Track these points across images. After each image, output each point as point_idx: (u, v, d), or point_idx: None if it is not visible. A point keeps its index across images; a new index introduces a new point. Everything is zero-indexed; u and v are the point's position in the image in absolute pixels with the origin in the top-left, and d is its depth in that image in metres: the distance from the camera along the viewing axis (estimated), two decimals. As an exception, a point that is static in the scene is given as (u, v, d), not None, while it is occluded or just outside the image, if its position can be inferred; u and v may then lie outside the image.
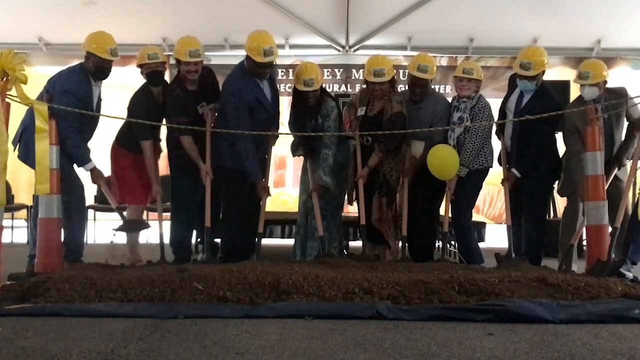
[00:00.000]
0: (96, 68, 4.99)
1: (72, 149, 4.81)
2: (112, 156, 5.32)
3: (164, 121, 5.23)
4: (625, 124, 5.26)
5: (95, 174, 5.00)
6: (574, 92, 6.12)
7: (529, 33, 8.17)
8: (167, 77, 6.80)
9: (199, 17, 7.48)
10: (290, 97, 5.63)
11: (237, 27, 5.40)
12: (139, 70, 5.25)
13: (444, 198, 5.21)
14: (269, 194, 5.17)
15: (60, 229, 4.65)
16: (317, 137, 5.18)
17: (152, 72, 5.17)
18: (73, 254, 4.91)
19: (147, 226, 5.34)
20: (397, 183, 5.22)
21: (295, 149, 5.54)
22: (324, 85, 5.42)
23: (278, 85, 5.83)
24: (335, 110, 5.30)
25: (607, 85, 5.19)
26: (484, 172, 5.23)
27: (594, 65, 5.13)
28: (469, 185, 5.17)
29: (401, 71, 8.68)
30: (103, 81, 5.16)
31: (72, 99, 4.78)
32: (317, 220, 5.07)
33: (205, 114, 5.12)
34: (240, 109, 4.99)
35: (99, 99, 5.18)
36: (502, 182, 5.20)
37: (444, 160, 5.01)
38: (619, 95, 5.18)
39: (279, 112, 5.41)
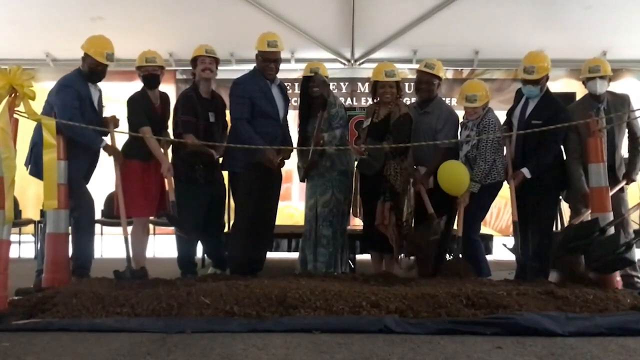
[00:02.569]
0: (90, 70, 5.07)
1: (79, 137, 4.81)
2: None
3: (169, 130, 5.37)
4: (626, 130, 5.34)
5: (110, 150, 5.04)
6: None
7: (535, 45, 8.10)
8: (173, 91, 6.86)
9: (205, 32, 7.51)
10: (297, 111, 5.71)
11: (243, 42, 5.46)
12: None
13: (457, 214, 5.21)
14: (278, 162, 5.21)
15: (67, 244, 4.66)
16: (324, 129, 5.30)
17: (149, 75, 5.29)
18: (80, 269, 4.92)
19: (146, 274, 5.13)
20: (401, 187, 5.21)
21: (301, 173, 5.55)
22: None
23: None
24: (338, 99, 5.61)
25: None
26: (496, 187, 5.19)
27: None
28: (480, 200, 5.13)
29: (407, 84, 8.72)
30: (112, 97, 5.23)
31: (71, 91, 4.86)
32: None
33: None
34: (241, 96, 5.22)
35: (100, 104, 5.22)
36: (508, 181, 5.14)
37: (455, 176, 5.00)
38: (622, 99, 5.32)
39: (287, 120, 5.54)
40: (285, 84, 5.60)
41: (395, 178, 5.16)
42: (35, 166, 4.88)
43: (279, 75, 5.48)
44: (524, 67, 5.12)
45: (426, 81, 5.39)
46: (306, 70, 5.48)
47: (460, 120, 5.44)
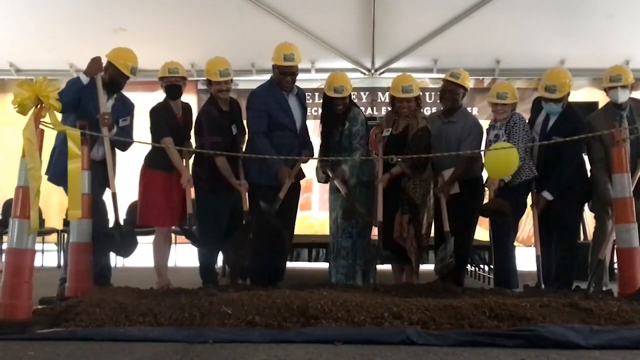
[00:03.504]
0: (111, 79, 5.12)
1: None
2: (140, 178, 5.37)
3: (191, 141, 5.38)
4: None
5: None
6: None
7: (556, 54, 8.14)
8: (194, 101, 6.89)
9: (226, 42, 7.57)
10: (318, 121, 5.70)
11: (263, 52, 5.49)
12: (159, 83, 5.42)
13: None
14: (291, 179, 5.15)
15: (90, 253, 4.69)
16: (344, 144, 5.28)
17: (172, 86, 5.32)
18: (100, 278, 4.96)
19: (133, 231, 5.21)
20: (420, 201, 5.19)
21: (320, 175, 5.55)
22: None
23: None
24: (362, 116, 5.48)
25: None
26: (529, 184, 5.16)
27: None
28: (515, 201, 5.06)
29: (427, 94, 8.71)
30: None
31: (70, 89, 4.93)
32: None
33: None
34: (258, 109, 5.22)
35: (122, 114, 5.24)
36: (532, 207, 5.15)
37: (505, 155, 4.86)
38: None
39: (306, 128, 5.50)
40: (306, 94, 5.61)
41: (414, 190, 5.14)
42: (53, 172, 4.97)
43: (299, 85, 5.48)
44: (545, 85, 5.09)
45: (450, 90, 5.37)
46: (329, 86, 5.35)
47: (487, 124, 5.42)
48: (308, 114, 8.22)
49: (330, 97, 5.32)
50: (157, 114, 5.30)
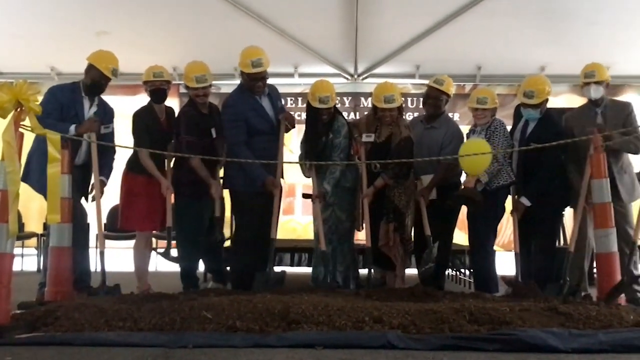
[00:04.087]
0: (92, 82, 5.11)
1: (50, 126, 4.62)
2: (122, 182, 5.35)
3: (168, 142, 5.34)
4: None
5: (84, 128, 4.94)
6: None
7: (537, 61, 8.22)
8: (176, 105, 6.87)
9: (209, 46, 7.57)
10: (299, 126, 5.69)
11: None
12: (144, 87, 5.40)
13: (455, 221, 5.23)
14: (280, 189, 5.14)
15: (70, 257, 4.66)
16: (326, 154, 5.24)
17: (156, 90, 5.31)
18: (80, 282, 4.92)
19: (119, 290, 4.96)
20: (405, 208, 5.22)
21: (305, 171, 5.54)
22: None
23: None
24: (346, 127, 5.37)
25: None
26: (506, 189, 5.22)
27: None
28: (491, 205, 5.13)
29: (409, 99, 8.75)
30: (116, 112, 5.24)
31: (52, 98, 4.89)
32: (319, 231, 5.06)
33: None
34: (235, 119, 5.12)
35: (104, 119, 5.20)
36: (511, 212, 5.19)
37: (479, 150, 4.94)
38: (623, 107, 5.38)
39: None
40: (289, 98, 5.61)
41: (399, 199, 5.16)
42: (26, 170, 4.92)
43: (283, 91, 5.46)
44: (524, 91, 5.17)
45: (434, 97, 5.43)
46: (313, 96, 5.24)
47: (467, 128, 5.48)
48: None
49: (315, 107, 5.26)
50: (140, 119, 5.28)
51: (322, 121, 5.27)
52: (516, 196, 5.19)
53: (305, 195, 5.46)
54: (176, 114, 5.54)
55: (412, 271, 5.49)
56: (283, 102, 5.49)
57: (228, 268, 5.47)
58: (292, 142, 7.85)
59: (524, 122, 5.28)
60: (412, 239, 5.36)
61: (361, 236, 5.88)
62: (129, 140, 5.33)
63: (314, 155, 5.26)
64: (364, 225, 5.31)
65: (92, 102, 5.18)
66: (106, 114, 5.28)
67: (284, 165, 5.56)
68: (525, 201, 5.06)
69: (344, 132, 5.32)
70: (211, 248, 5.30)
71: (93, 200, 5.13)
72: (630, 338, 3.32)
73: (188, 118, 5.21)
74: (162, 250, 5.30)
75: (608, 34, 7.51)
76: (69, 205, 4.59)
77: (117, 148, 5.24)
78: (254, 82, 5.13)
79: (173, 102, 7.98)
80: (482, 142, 4.99)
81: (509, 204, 5.31)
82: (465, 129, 5.79)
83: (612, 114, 5.26)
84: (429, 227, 5.15)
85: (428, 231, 5.14)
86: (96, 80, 5.11)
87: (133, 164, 5.28)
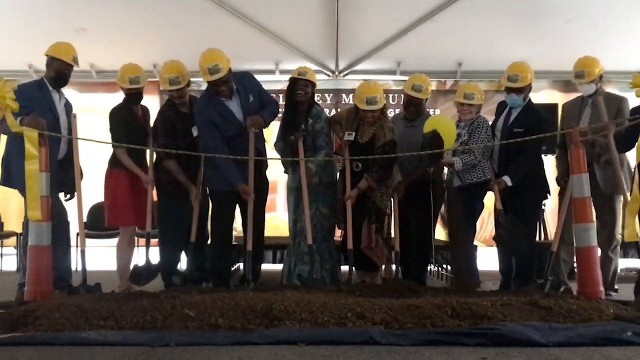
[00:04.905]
0: (57, 74, 5.12)
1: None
2: (106, 180, 5.33)
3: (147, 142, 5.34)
4: None
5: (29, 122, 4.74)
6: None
7: (517, 57, 8.11)
8: (157, 103, 6.83)
9: (189, 43, 7.50)
10: (279, 121, 5.70)
11: (227, 54, 5.43)
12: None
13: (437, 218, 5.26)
14: (252, 197, 5.06)
15: (50, 256, 4.61)
16: (308, 142, 5.27)
17: (134, 94, 5.30)
18: (61, 281, 4.88)
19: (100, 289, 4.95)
20: (386, 208, 5.23)
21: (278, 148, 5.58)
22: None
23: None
24: (324, 114, 5.49)
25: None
26: (482, 186, 5.24)
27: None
28: (468, 201, 5.17)
29: (390, 95, 8.76)
30: (95, 109, 5.20)
31: (20, 96, 4.71)
32: (306, 226, 5.04)
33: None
34: (206, 125, 5.08)
35: (70, 112, 5.20)
36: (491, 185, 5.14)
37: (444, 126, 5.02)
38: (615, 100, 5.47)
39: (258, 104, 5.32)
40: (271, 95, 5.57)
41: (381, 199, 5.17)
42: (6, 172, 4.95)
43: (264, 87, 5.43)
44: (508, 75, 5.22)
45: (415, 104, 5.44)
46: (294, 73, 5.40)
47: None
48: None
49: (293, 82, 5.33)
50: (116, 117, 5.25)
51: (297, 97, 5.31)
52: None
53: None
54: (155, 112, 5.50)
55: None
56: (244, 90, 5.28)
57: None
58: (274, 140, 7.85)
59: (507, 112, 5.32)
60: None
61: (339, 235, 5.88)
62: (109, 138, 5.29)
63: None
64: (342, 226, 5.30)
65: (60, 94, 5.18)
66: (69, 107, 5.30)
67: (269, 162, 5.57)
68: (507, 180, 5.04)
69: (323, 117, 5.42)
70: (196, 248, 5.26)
71: (69, 199, 5.12)
72: (610, 331, 3.36)
73: (165, 119, 5.20)
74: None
75: (587, 31, 7.56)
76: (47, 204, 4.54)
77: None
78: (216, 88, 5.05)
79: (154, 100, 7.95)
80: (442, 117, 5.06)
81: (488, 200, 5.34)
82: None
83: (606, 107, 5.30)
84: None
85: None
86: (61, 71, 5.12)
87: (115, 161, 5.25)
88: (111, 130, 5.27)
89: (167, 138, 5.11)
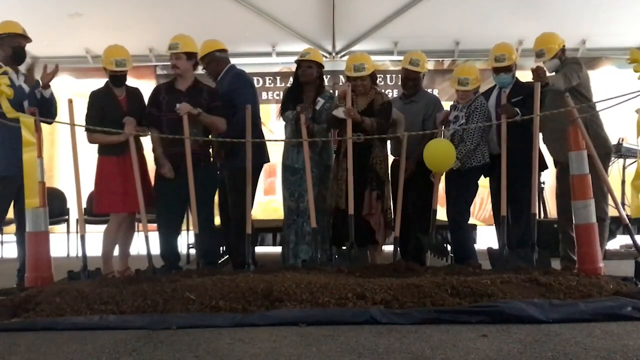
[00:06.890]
0: (13, 50, 5.05)
1: None
2: (97, 167, 5.27)
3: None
4: None
5: None
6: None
7: (514, 35, 8.22)
8: (153, 86, 6.80)
9: (184, 27, 7.42)
10: (278, 105, 5.68)
11: (223, 37, 5.41)
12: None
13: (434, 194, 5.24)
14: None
15: (48, 242, 4.60)
16: (319, 120, 5.31)
17: (119, 76, 5.23)
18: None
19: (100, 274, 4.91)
20: (386, 175, 5.23)
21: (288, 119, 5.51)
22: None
23: (266, 93, 5.86)
24: (329, 91, 5.59)
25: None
26: (480, 169, 5.24)
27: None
28: (465, 183, 5.18)
29: (388, 76, 8.75)
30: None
31: None
32: (309, 209, 5.03)
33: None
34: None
35: (33, 90, 5.11)
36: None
37: (440, 153, 5.00)
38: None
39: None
40: (267, 77, 5.57)
41: (380, 166, 5.18)
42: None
43: (261, 70, 5.43)
44: (495, 56, 5.28)
45: (413, 78, 5.49)
46: (299, 56, 5.44)
47: (447, 104, 5.51)
48: (270, 97, 8.18)
49: (297, 65, 5.40)
50: (95, 99, 5.19)
51: (306, 75, 5.36)
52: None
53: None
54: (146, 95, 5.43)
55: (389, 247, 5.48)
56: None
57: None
58: (271, 122, 7.84)
59: (498, 92, 5.31)
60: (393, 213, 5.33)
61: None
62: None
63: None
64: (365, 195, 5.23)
65: (17, 72, 5.11)
66: (37, 82, 5.16)
67: (268, 146, 5.56)
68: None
69: (329, 96, 5.51)
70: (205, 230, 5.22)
71: None
72: (610, 307, 3.38)
73: (153, 91, 5.29)
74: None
75: (583, 8, 7.54)
76: (43, 189, 4.52)
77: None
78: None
79: (150, 84, 7.90)
80: (445, 142, 5.04)
81: (483, 181, 5.36)
82: (445, 104, 5.81)
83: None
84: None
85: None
86: (15, 46, 5.06)
87: (103, 147, 5.19)
88: (87, 110, 5.18)
89: (150, 108, 5.18)
